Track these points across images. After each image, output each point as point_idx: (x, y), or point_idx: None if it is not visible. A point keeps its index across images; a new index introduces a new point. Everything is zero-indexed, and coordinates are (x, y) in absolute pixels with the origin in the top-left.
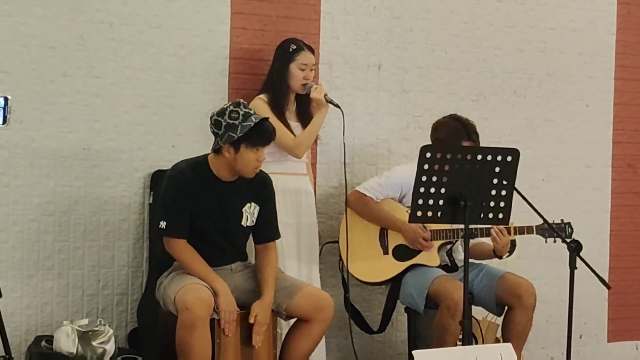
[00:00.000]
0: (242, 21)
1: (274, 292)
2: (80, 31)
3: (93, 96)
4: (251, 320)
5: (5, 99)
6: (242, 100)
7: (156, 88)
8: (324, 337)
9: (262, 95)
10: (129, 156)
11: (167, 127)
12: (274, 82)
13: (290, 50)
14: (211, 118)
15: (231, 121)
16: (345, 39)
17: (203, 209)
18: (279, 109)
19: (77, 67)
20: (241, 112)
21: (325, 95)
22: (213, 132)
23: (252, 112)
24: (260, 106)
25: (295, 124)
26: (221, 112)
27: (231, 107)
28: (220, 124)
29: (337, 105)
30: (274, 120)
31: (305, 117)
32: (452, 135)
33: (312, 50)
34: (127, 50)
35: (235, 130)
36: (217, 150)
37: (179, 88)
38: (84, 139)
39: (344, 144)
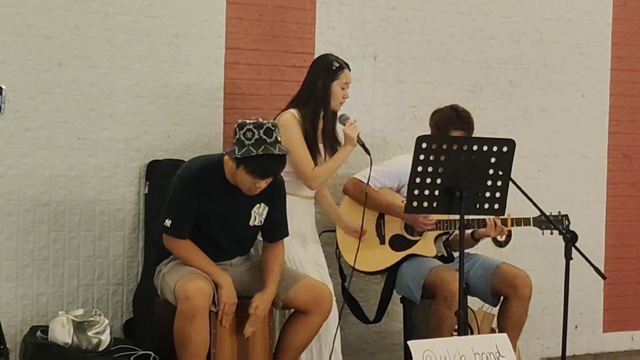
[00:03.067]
0: (238, 11)
1: (276, 286)
2: (75, 21)
3: (88, 86)
4: (251, 312)
5: (0, 89)
6: (271, 124)
7: (152, 78)
8: (339, 329)
9: (293, 111)
10: (124, 146)
11: (163, 117)
12: (315, 100)
13: (334, 68)
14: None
15: (243, 138)
16: (341, 30)
17: (211, 209)
18: (313, 128)
19: (73, 56)
20: (256, 136)
21: (359, 135)
22: None
23: (269, 140)
24: (292, 123)
25: (320, 146)
26: (242, 125)
27: (251, 126)
28: (236, 134)
29: (367, 151)
30: (298, 144)
31: (330, 137)
32: (444, 122)
33: (349, 68)
34: (123, 40)
35: (241, 149)
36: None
37: (174, 78)
38: (79, 128)
39: (367, 186)
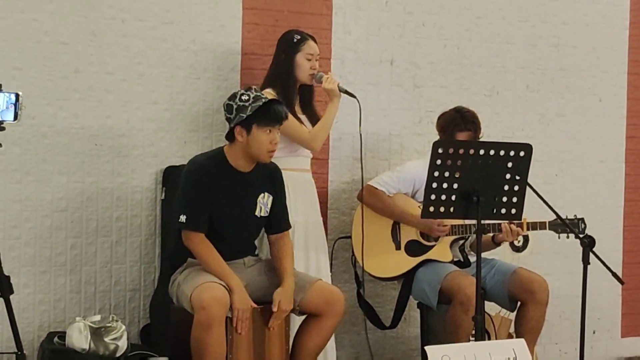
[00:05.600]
0: (254, 17)
1: (293, 278)
2: (92, 27)
3: (105, 92)
4: (275, 309)
5: (17, 95)
6: (254, 86)
7: (168, 84)
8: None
9: (269, 90)
10: (140, 152)
11: (179, 124)
12: (281, 75)
13: (295, 40)
14: (224, 105)
15: (242, 103)
16: (358, 34)
17: (222, 201)
18: (288, 103)
19: (89, 63)
20: (252, 95)
21: (339, 84)
22: (226, 119)
23: (263, 95)
24: None
25: (301, 117)
26: (232, 96)
27: (242, 91)
28: (231, 107)
29: (352, 95)
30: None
31: (309, 109)
32: (449, 125)
33: (314, 40)
34: (139, 46)
35: (245, 111)
36: (230, 135)
37: (190, 84)
38: (96, 135)
39: (360, 134)
